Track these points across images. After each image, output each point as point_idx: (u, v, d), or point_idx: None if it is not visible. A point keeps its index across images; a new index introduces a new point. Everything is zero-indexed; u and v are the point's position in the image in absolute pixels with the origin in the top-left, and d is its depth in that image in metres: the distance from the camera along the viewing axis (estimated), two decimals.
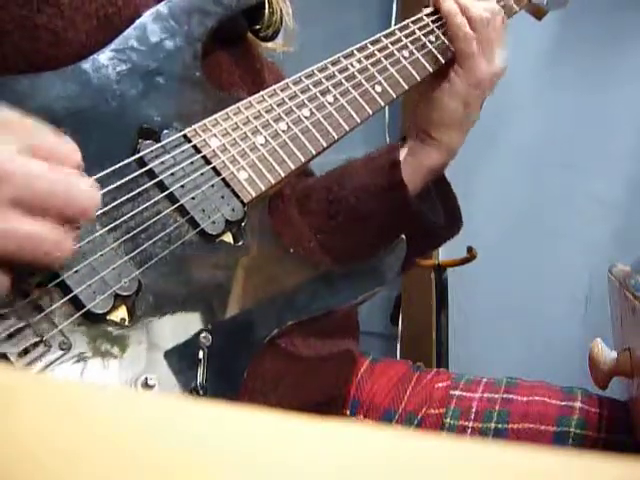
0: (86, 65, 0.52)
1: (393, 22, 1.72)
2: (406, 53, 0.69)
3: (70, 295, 0.43)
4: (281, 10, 0.67)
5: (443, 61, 0.72)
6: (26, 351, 0.41)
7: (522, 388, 0.71)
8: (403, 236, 0.62)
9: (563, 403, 0.68)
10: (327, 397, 0.65)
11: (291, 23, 0.72)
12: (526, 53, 1.55)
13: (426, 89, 0.74)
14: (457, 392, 0.71)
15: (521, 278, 1.60)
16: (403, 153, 0.73)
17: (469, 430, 0.68)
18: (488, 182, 1.67)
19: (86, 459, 0.15)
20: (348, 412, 0.72)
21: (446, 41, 0.73)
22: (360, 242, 0.73)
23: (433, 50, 0.71)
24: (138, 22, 0.56)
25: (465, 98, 0.74)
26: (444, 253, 1.71)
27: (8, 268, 0.38)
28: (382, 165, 0.72)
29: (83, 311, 0.44)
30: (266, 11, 0.65)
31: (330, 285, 0.57)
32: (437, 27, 0.73)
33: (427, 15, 0.74)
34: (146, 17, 0.57)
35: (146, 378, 0.44)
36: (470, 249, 1.40)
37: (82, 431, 0.15)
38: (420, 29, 0.72)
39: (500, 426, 0.67)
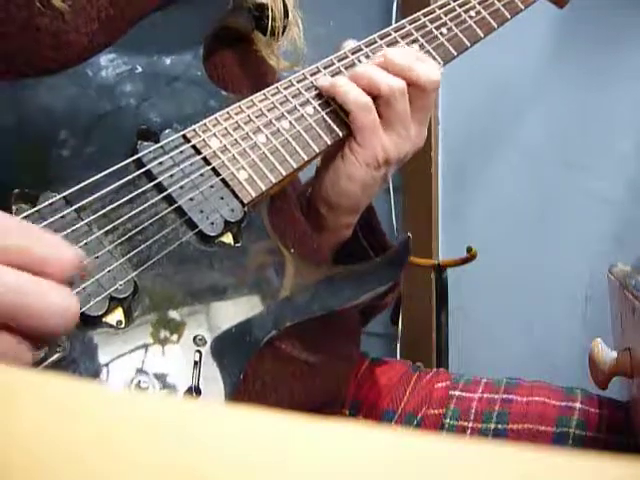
0: (87, 67, 0.52)
1: (394, 20, 1.72)
2: (416, 46, 0.67)
3: None
4: (285, 8, 0.66)
5: (456, 54, 0.69)
6: None
7: (522, 388, 0.71)
8: (409, 234, 0.61)
9: (563, 403, 0.68)
10: (327, 397, 0.65)
11: (301, 43, 0.70)
12: (527, 52, 1.55)
13: (323, 167, 0.65)
14: (457, 392, 0.71)
15: (521, 278, 1.60)
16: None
17: (469, 430, 0.68)
18: (488, 182, 1.67)
19: (87, 459, 0.15)
20: (347, 412, 0.72)
21: (460, 34, 0.70)
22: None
23: (445, 43, 0.68)
24: (139, 24, 0.56)
25: (362, 181, 0.62)
26: (444, 253, 1.71)
27: None
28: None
29: None
30: (269, 12, 0.64)
31: (331, 286, 0.56)
32: (450, 19, 0.70)
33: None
34: (147, 19, 0.57)
35: (140, 380, 0.44)
36: (470, 249, 1.40)
37: (83, 431, 0.15)
38: (431, 22, 0.69)
39: (500, 426, 0.67)
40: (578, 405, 0.67)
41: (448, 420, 0.69)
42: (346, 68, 0.63)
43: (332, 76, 0.62)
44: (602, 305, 0.84)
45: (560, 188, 1.55)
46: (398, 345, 1.77)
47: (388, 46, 0.66)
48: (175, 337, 0.46)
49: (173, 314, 0.47)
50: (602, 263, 0.81)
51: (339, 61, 0.63)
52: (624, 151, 1.47)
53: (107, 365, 0.44)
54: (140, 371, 0.44)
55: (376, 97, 0.60)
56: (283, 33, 0.66)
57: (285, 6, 0.65)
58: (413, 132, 0.62)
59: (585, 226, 1.52)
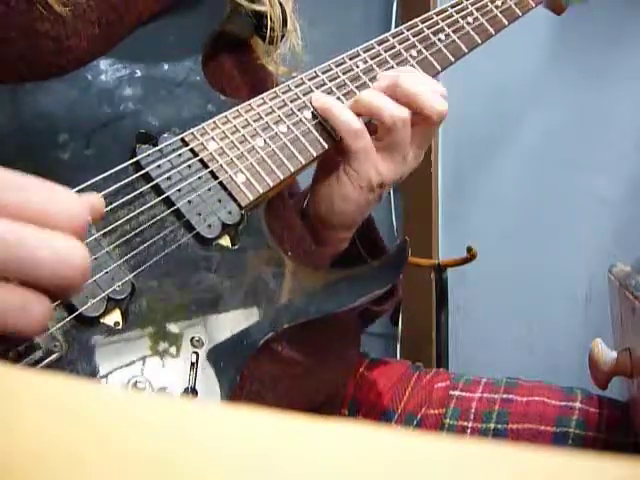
0: (86, 71, 0.52)
1: (393, 22, 1.72)
2: (414, 52, 0.68)
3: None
4: (284, 15, 0.66)
5: (453, 60, 0.69)
6: (19, 355, 0.41)
7: (522, 388, 0.71)
8: (406, 237, 0.62)
9: (563, 403, 0.68)
10: (326, 397, 0.65)
11: (299, 50, 0.70)
12: (526, 52, 1.55)
13: (317, 186, 0.64)
14: (457, 392, 0.71)
15: (521, 278, 1.60)
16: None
17: (468, 430, 0.68)
18: (488, 182, 1.68)
19: (86, 459, 0.15)
20: (347, 412, 0.72)
21: (457, 40, 0.71)
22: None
23: (443, 49, 0.69)
24: (139, 29, 0.56)
25: (357, 202, 0.62)
26: (444, 253, 1.71)
27: None
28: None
29: (75, 314, 0.44)
30: (268, 19, 0.65)
31: (328, 289, 0.56)
32: (447, 25, 0.70)
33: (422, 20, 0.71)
34: (146, 22, 0.57)
35: (137, 381, 0.44)
36: (470, 249, 1.40)
37: (82, 431, 0.15)
38: (429, 27, 0.70)
39: (500, 426, 0.67)
40: (578, 405, 0.67)
41: (448, 420, 0.69)
42: (344, 73, 0.63)
43: (330, 80, 0.62)
44: (602, 305, 0.84)
45: (560, 188, 1.55)
46: (398, 345, 1.77)
47: (386, 52, 0.66)
48: (172, 338, 0.47)
49: (170, 316, 0.47)
50: (602, 263, 0.81)
51: (337, 66, 0.63)
52: (624, 151, 1.47)
53: (104, 365, 0.44)
54: (137, 371, 0.44)
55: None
56: (281, 40, 0.66)
57: (284, 13, 0.65)
58: (411, 156, 0.62)
59: (585, 226, 1.52)
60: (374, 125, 0.61)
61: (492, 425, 0.68)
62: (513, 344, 1.62)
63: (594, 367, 0.59)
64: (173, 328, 0.47)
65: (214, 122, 0.55)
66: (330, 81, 0.62)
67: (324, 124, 0.60)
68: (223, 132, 0.55)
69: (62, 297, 0.36)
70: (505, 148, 1.64)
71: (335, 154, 0.61)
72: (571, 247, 1.54)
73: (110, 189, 0.48)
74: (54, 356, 0.42)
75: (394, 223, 1.75)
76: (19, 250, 0.33)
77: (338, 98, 0.61)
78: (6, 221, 0.33)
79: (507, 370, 0.84)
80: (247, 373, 0.51)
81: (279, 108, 0.58)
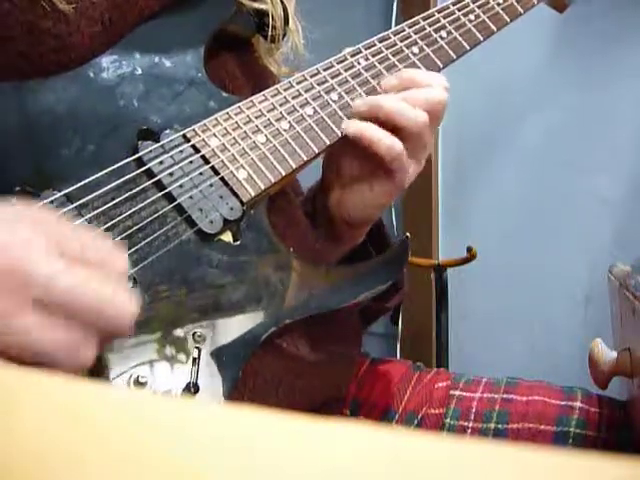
0: (88, 68, 0.53)
1: (394, 21, 1.73)
2: (416, 49, 0.68)
3: None
4: (286, 14, 0.67)
5: (455, 57, 0.69)
6: None
7: (522, 388, 0.71)
8: (408, 234, 0.62)
9: (563, 403, 0.68)
10: (327, 397, 0.65)
11: (301, 49, 0.70)
12: (527, 51, 1.55)
13: (344, 189, 0.65)
14: (457, 392, 0.71)
15: (521, 278, 1.60)
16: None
17: (469, 430, 0.68)
18: (488, 182, 1.68)
19: (86, 459, 0.15)
20: (348, 412, 0.72)
21: (459, 37, 0.70)
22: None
23: (445, 46, 0.69)
24: (141, 26, 0.56)
25: (385, 207, 0.66)
26: (444, 253, 1.71)
27: None
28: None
29: None
30: (269, 18, 0.65)
31: (330, 285, 0.56)
32: (449, 23, 0.70)
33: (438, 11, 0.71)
34: (148, 20, 0.57)
35: (138, 375, 0.44)
36: (470, 249, 1.40)
37: (83, 431, 0.15)
38: (430, 25, 0.70)
39: (500, 426, 0.67)
40: (578, 404, 0.67)
41: (448, 420, 0.69)
42: (346, 70, 0.63)
43: (332, 78, 0.62)
44: (602, 305, 0.84)
45: (560, 188, 1.55)
46: (398, 345, 1.77)
47: (387, 49, 0.66)
48: (174, 334, 0.47)
49: (172, 311, 0.47)
50: (602, 263, 0.81)
51: (338, 63, 0.63)
52: (624, 151, 1.47)
53: (106, 361, 0.44)
54: (139, 367, 0.44)
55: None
56: (283, 38, 0.67)
57: (285, 12, 0.66)
58: (429, 150, 0.64)
59: (585, 226, 1.52)
60: None
61: (492, 425, 0.67)
62: (513, 344, 1.62)
63: (594, 367, 0.59)
64: (175, 323, 0.47)
65: (216, 118, 0.55)
66: (332, 78, 0.62)
67: (326, 120, 0.60)
68: (225, 128, 0.55)
69: (105, 344, 0.39)
70: (505, 148, 1.64)
71: (367, 167, 0.62)
72: (571, 247, 1.54)
73: (112, 185, 0.48)
74: None
75: (394, 223, 1.75)
76: (94, 300, 0.36)
77: (339, 94, 0.61)
78: (85, 271, 0.36)
79: (507, 370, 0.84)
80: (249, 369, 0.51)
81: (281, 105, 0.58)
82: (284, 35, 0.66)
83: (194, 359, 0.46)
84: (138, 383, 0.44)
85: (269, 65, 0.69)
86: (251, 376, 0.52)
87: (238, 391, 0.48)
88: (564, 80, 1.52)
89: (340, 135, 0.60)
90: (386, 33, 0.67)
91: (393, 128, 0.60)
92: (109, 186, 0.48)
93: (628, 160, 1.47)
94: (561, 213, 1.55)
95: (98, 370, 0.43)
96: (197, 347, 0.47)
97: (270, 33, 0.65)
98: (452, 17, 0.71)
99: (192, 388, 0.45)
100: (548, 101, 1.55)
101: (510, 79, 1.60)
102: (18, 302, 0.34)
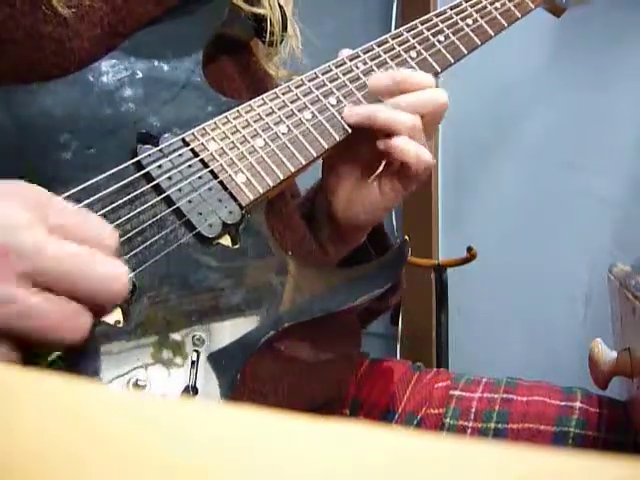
0: (88, 73, 0.53)
1: (393, 21, 1.72)
2: (414, 54, 0.68)
3: None
4: (284, 18, 0.67)
5: (452, 61, 0.70)
6: None
7: (522, 388, 0.71)
8: (407, 237, 0.62)
9: (563, 403, 0.68)
10: (327, 397, 0.65)
11: (299, 53, 0.70)
12: (527, 52, 1.55)
13: (350, 191, 0.65)
14: (457, 392, 0.71)
15: (521, 278, 1.60)
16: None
17: (469, 430, 0.68)
18: (488, 182, 1.68)
19: (86, 459, 0.15)
20: (348, 412, 0.72)
21: (457, 42, 0.71)
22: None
23: (442, 50, 0.69)
24: (140, 30, 0.57)
25: (392, 208, 0.67)
26: (444, 253, 1.71)
27: (16, 344, 0.37)
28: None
29: None
30: (267, 23, 0.65)
31: (329, 288, 0.56)
32: (447, 27, 0.71)
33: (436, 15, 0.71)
34: (148, 24, 0.57)
35: (137, 379, 0.44)
36: (470, 249, 1.40)
37: (84, 431, 0.15)
38: (428, 29, 0.70)
39: (500, 426, 0.67)
40: (578, 405, 0.67)
41: (448, 420, 0.69)
42: (344, 74, 0.63)
43: (330, 82, 0.62)
44: (602, 305, 0.84)
45: (560, 188, 1.55)
46: (398, 345, 1.77)
47: (385, 53, 0.66)
48: (173, 337, 0.47)
49: (171, 314, 0.47)
50: (602, 263, 0.81)
51: (337, 67, 0.64)
52: (624, 151, 1.47)
53: (104, 364, 0.44)
54: (138, 370, 0.44)
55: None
56: (281, 43, 0.67)
57: (284, 17, 0.66)
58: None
59: (585, 226, 1.52)
60: None
61: (492, 425, 0.68)
62: (513, 344, 1.62)
63: (594, 367, 0.59)
64: (174, 327, 0.47)
65: (214, 122, 0.55)
66: (330, 82, 0.62)
67: (324, 124, 0.60)
68: (223, 132, 0.55)
69: (100, 314, 0.40)
70: (505, 148, 1.64)
71: (375, 167, 0.63)
72: (571, 247, 1.54)
73: (111, 189, 0.48)
74: (55, 355, 0.42)
75: (394, 223, 1.75)
76: (83, 269, 0.37)
77: (337, 98, 0.62)
78: (73, 244, 0.37)
79: (507, 370, 0.84)
80: (248, 372, 0.51)
81: (279, 109, 0.59)
82: (282, 39, 0.67)
83: (193, 362, 0.46)
84: (137, 386, 0.44)
85: (268, 69, 0.70)
86: (250, 378, 0.52)
87: (237, 393, 0.48)
88: (563, 81, 1.52)
89: (338, 139, 0.60)
90: (384, 37, 0.68)
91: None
92: (108, 190, 0.48)
93: (627, 160, 1.47)
94: (561, 213, 1.55)
95: (96, 373, 0.43)
96: (196, 350, 0.47)
97: (268, 38, 0.65)
98: (450, 21, 0.72)
99: (191, 391, 0.45)
100: (547, 102, 1.55)
101: (509, 80, 1.61)
102: (2, 272, 0.35)
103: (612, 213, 1.49)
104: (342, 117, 0.61)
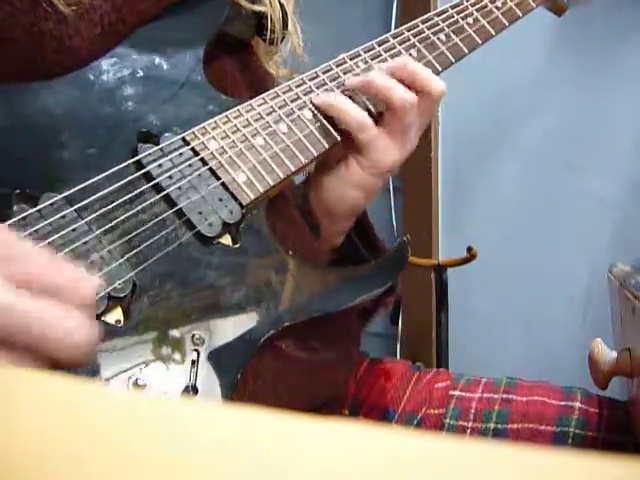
0: (88, 71, 0.53)
1: (393, 21, 1.72)
2: (414, 52, 0.68)
3: None
4: (285, 16, 0.67)
5: (454, 61, 0.69)
6: None
7: (522, 388, 0.71)
8: (407, 237, 0.62)
9: (562, 403, 0.68)
10: (327, 397, 0.65)
11: (300, 51, 0.70)
12: (526, 52, 1.55)
13: (320, 172, 0.65)
14: (457, 392, 0.71)
15: (521, 278, 1.60)
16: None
17: (468, 430, 0.68)
18: (488, 182, 1.67)
19: (86, 459, 0.15)
20: (347, 412, 0.72)
21: (459, 43, 0.71)
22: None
23: (445, 51, 0.69)
24: (140, 28, 0.56)
25: (371, 188, 0.64)
26: (444, 253, 1.71)
27: None
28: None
29: None
30: (268, 20, 0.65)
31: (329, 288, 0.56)
32: (447, 26, 0.71)
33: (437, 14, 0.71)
34: (148, 23, 0.57)
35: (137, 378, 0.44)
36: (470, 249, 1.40)
37: (84, 431, 0.15)
38: (429, 28, 0.70)
39: (499, 426, 0.67)
40: (578, 405, 0.67)
41: (448, 420, 0.69)
42: (344, 73, 0.63)
43: (331, 81, 0.62)
44: (602, 305, 0.84)
45: (560, 188, 1.55)
46: (398, 345, 1.77)
47: (386, 52, 0.66)
48: (173, 336, 0.47)
49: (171, 314, 0.47)
50: (602, 263, 0.81)
51: (337, 66, 0.64)
52: (624, 152, 1.47)
53: (105, 364, 0.44)
54: (138, 369, 0.44)
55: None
56: (282, 41, 0.67)
57: (284, 15, 0.66)
58: (413, 139, 0.63)
59: (585, 226, 1.52)
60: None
61: (492, 425, 0.68)
62: (513, 344, 1.62)
63: (594, 367, 0.59)
64: (174, 326, 0.47)
65: (215, 121, 0.55)
66: (331, 81, 0.62)
67: (325, 123, 0.60)
68: (224, 131, 0.55)
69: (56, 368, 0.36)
70: (505, 149, 1.64)
71: (342, 145, 0.62)
72: (571, 247, 1.54)
73: (112, 187, 0.48)
74: None
75: (394, 223, 1.74)
76: (38, 325, 0.33)
77: None
78: (29, 299, 0.34)
79: (507, 370, 0.84)
80: (249, 371, 0.51)
81: (280, 108, 0.59)
82: (283, 38, 0.67)
83: (193, 361, 0.46)
84: (136, 385, 0.44)
85: (268, 67, 0.69)
86: (250, 378, 0.52)
87: (237, 392, 0.48)
88: (563, 82, 1.52)
89: (339, 139, 0.61)
90: (385, 36, 0.68)
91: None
92: (109, 189, 0.48)
93: (627, 161, 1.47)
94: (561, 214, 1.55)
95: (96, 372, 0.43)
96: (196, 349, 0.47)
97: (269, 35, 0.65)
98: (451, 20, 0.72)
99: (191, 391, 0.45)
100: (547, 102, 1.55)
101: (509, 80, 1.60)
102: None
103: (612, 214, 1.48)
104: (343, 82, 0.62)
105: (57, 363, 0.35)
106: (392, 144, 0.62)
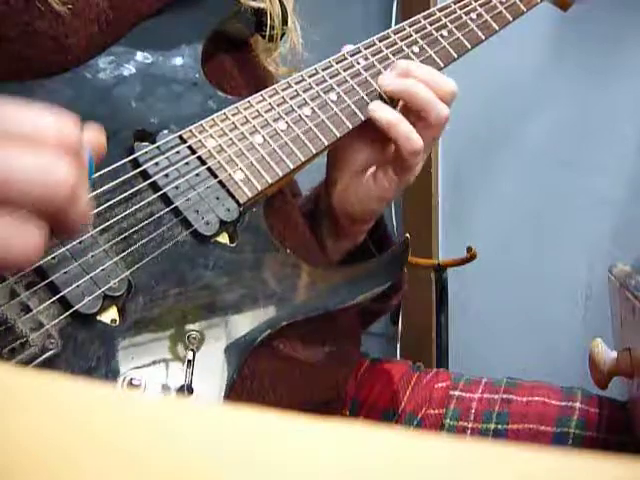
0: (85, 69, 0.52)
1: (393, 21, 1.72)
2: (416, 49, 0.67)
3: (58, 295, 0.43)
4: (284, 13, 0.66)
5: (456, 56, 0.68)
6: (13, 351, 0.41)
7: (522, 388, 0.71)
8: (407, 235, 0.61)
9: (563, 403, 0.68)
10: (327, 397, 0.65)
11: (299, 48, 0.70)
12: (527, 51, 1.55)
13: (347, 182, 0.65)
14: (457, 392, 0.71)
15: (521, 278, 1.60)
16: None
17: (469, 431, 0.68)
18: (488, 182, 1.67)
19: (87, 460, 0.15)
20: (348, 412, 0.72)
21: (462, 37, 0.69)
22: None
23: (447, 46, 0.68)
24: (137, 26, 0.56)
25: (389, 202, 0.66)
26: (444, 253, 1.71)
27: None
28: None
29: (71, 311, 0.44)
30: (267, 17, 0.64)
31: (328, 286, 0.56)
32: (450, 22, 0.69)
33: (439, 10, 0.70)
34: (146, 20, 0.57)
35: (132, 378, 0.44)
36: (470, 249, 1.40)
37: (82, 431, 0.15)
38: (431, 24, 0.69)
39: (500, 427, 0.67)
40: (578, 405, 0.67)
41: (448, 420, 0.69)
42: (344, 70, 0.63)
43: (330, 77, 0.62)
44: (602, 305, 0.84)
45: (560, 188, 1.55)
46: (398, 345, 1.77)
47: (387, 48, 0.66)
48: (169, 336, 0.47)
49: (167, 313, 0.47)
50: (602, 263, 0.81)
51: (337, 63, 0.63)
52: (624, 151, 1.47)
53: (100, 363, 0.44)
54: (133, 369, 0.44)
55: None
56: (282, 38, 0.66)
57: (284, 11, 0.65)
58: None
59: (585, 226, 1.52)
60: None
61: (492, 425, 0.67)
62: (513, 344, 1.62)
63: (594, 367, 0.59)
64: (170, 325, 0.47)
65: (212, 119, 0.54)
66: (330, 78, 0.62)
67: (325, 121, 0.59)
68: (221, 129, 0.54)
69: (53, 217, 0.34)
70: (505, 148, 1.64)
71: (374, 158, 0.63)
72: (571, 247, 1.53)
73: (108, 186, 0.48)
74: (49, 353, 0.42)
75: (394, 223, 1.74)
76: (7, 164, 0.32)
77: (337, 94, 0.61)
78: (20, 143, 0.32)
79: (507, 370, 0.84)
80: (247, 371, 0.51)
81: (278, 105, 0.58)
82: (282, 35, 0.66)
83: (188, 361, 0.46)
84: (132, 385, 0.44)
85: (267, 65, 0.69)
86: (248, 378, 0.52)
87: (235, 393, 0.48)
88: (564, 81, 1.52)
89: (338, 136, 0.60)
90: (386, 32, 0.67)
91: (415, 116, 0.60)
92: (105, 187, 0.47)
93: (628, 160, 1.47)
94: (561, 213, 1.55)
95: (92, 372, 0.43)
96: (192, 349, 0.47)
97: (268, 32, 0.64)
98: (453, 16, 0.70)
99: (186, 391, 0.45)
100: (547, 101, 1.55)
101: (509, 79, 1.60)
102: None
103: (612, 213, 1.48)
104: (377, 83, 0.62)
105: (41, 205, 0.33)
106: (421, 160, 0.62)
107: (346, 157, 0.64)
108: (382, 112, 0.60)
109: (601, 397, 0.69)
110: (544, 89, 1.56)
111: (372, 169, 0.63)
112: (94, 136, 0.39)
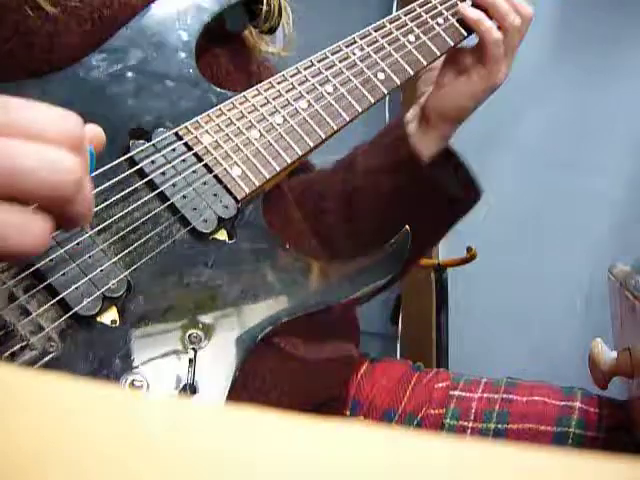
0: (78, 68, 0.52)
1: None
2: (412, 37, 0.66)
3: (57, 298, 0.43)
4: (280, 5, 0.66)
5: (452, 44, 0.69)
6: (13, 355, 0.41)
7: (522, 388, 0.71)
8: (407, 227, 0.61)
9: (563, 403, 0.68)
10: (327, 397, 0.65)
11: (290, 28, 0.70)
12: (526, 51, 1.55)
13: (444, 82, 0.72)
14: (457, 392, 0.71)
15: (521, 278, 1.60)
16: (408, 128, 0.74)
17: (469, 430, 0.68)
18: (488, 181, 1.67)
19: (85, 459, 0.15)
20: (348, 412, 0.72)
21: (456, 23, 0.70)
22: (385, 223, 0.72)
23: (442, 33, 0.68)
24: (130, 23, 0.56)
25: (480, 100, 0.74)
26: (444, 253, 1.71)
27: None
28: (390, 142, 0.73)
29: (70, 314, 0.43)
30: (263, 7, 0.64)
31: (328, 280, 0.56)
32: (445, 9, 0.70)
33: None
34: (138, 17, 0.56)
35: (134, 378, 0.44)
36: (470, 249, 1.40)
37: (82, 432, 0.15)
38: (427, 12, 0.69)
39: (500, 426, 0.67)
40: (578, 405, 0.67)
41: (448, 420, 0.69)
42: (340, 61, 0.62)
43: (326, 69, 0.61)
44: (602, 305, 0.84)
45: (560, 188, 1.55)
46: (398, 345, 1.76)
47: (383, 38, 0.65)
48: (169, 335, 0.46)
49: (167, 312, 0.47)
50: (602, 263, 0.81)
51: (333, 54, 0.62)
52: (624, 151, 1.47)
53: (101, 365, 0.43)
54: (134, 370, 0.44)
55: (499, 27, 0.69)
56: (276, 29, 0.67)
57: (279, 1, 0.65)
58: (512, 62, 0.74)
59: (585, 226, 1.52)
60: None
61: (492, 425, 0.67)
62: (513, 344, 1.62)
63: (594, 367, 0.59)
64: (170, 325, 0.47)
65: (208, 115, 0.54)
66: (326, 70, 0.61)
67: (321, 112, 0.59)
68: (217, 125, 0.54)
69: (59, 211, 0.35)
70: (505, 148, 1.64)
71: (467, 57, 0.71)
72: (571, 247, 1.53)
73: (104, 186, 0.47)
74: (50, 356, 0.42)
75: None
76: (5, 161, 0.32)
77: (334, 86, 0.61)
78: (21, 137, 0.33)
79: (507, 370, 0.84)
80: (248, 369, 0.51)
81: (274, 98, 0.57)
82: (277, 26, 0.66)
83: (190, 360, 0.46)
84: (133, 386, 0.43)
85: (262, 59, 0.69)
86: (249, 376, 0.52)
87: (236, 391, 0.48)
88: (563, 81, 1.52)
89: (335, 129, 0.59)
90: (381, 21, 0.66)
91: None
92: (101, 187, 0.47)
93: (627, 160, 1.47)
94: (561, 213, 1.55)
95: (93, 372, 0.43)
96: (193, 348, 0.46)
97: (262, 24, 0.64)
98: (449, 3, 0.70)
99: (189, 390, 0.45)
100: (548, 100, 1.55)
101: (509, 78, 1.60)
102: None
103: (612, 213, 1.48)
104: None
105: (47, 199, 0.33)
106: (505, 61, 0.71)
107: (443, 70, 0.72)
108: (471, 10, 0.69)
109: (601, 397, 0.69)
110: (543, 89, 1.56)
111: (466, 69, 0.71)
112: (95, 132, 0.40)
